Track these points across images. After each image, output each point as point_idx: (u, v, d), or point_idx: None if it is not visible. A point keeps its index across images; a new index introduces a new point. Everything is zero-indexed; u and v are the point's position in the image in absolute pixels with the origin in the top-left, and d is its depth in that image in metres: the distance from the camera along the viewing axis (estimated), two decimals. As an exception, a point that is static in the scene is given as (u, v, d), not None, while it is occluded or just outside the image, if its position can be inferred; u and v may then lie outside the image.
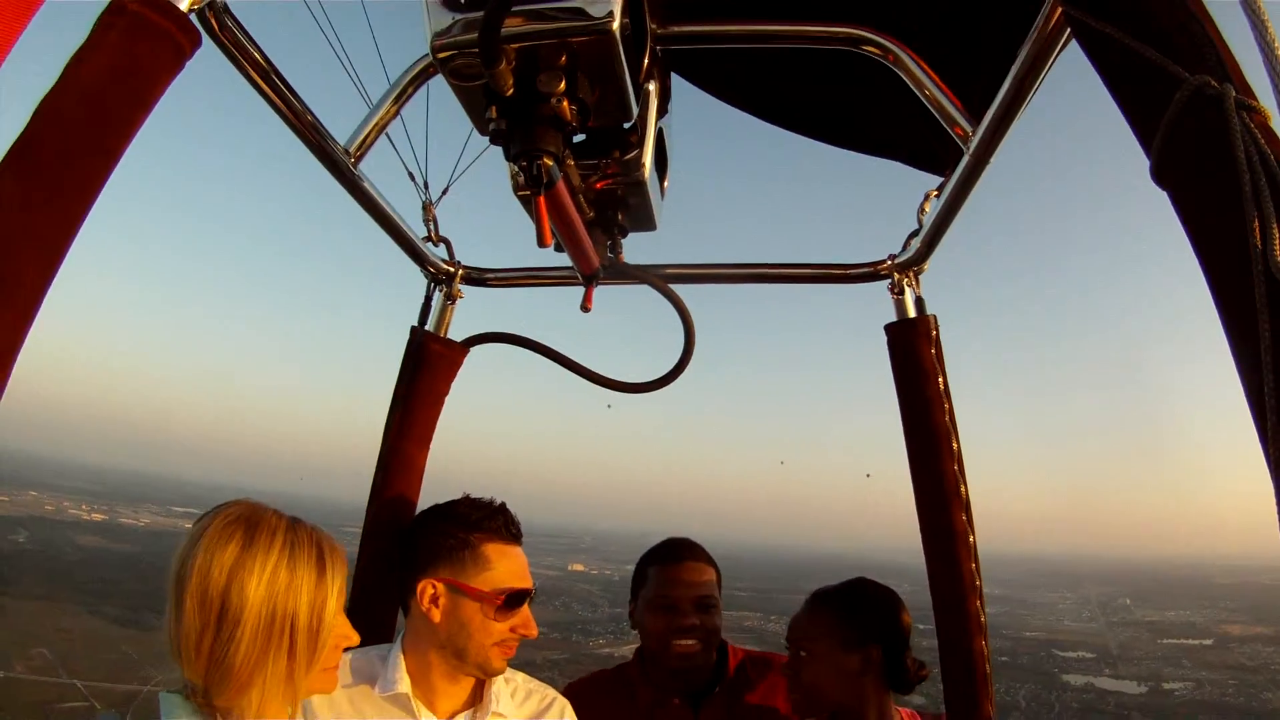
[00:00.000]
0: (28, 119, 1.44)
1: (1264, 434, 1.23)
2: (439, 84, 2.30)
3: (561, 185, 2.10)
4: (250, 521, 1.96)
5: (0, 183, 1.39)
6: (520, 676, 2.80)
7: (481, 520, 2.61)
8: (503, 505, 2.67)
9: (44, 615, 68.25)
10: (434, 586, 2.55)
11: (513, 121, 1.84)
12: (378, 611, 3.12)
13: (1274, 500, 1.12)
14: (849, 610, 2.91)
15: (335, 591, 1.98)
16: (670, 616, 3.22)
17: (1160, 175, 1.28)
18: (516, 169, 2.20)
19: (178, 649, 1.87)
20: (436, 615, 2.53)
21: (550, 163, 1.86)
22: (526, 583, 2.57)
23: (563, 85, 1.77)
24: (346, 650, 2.53)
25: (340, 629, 2.01)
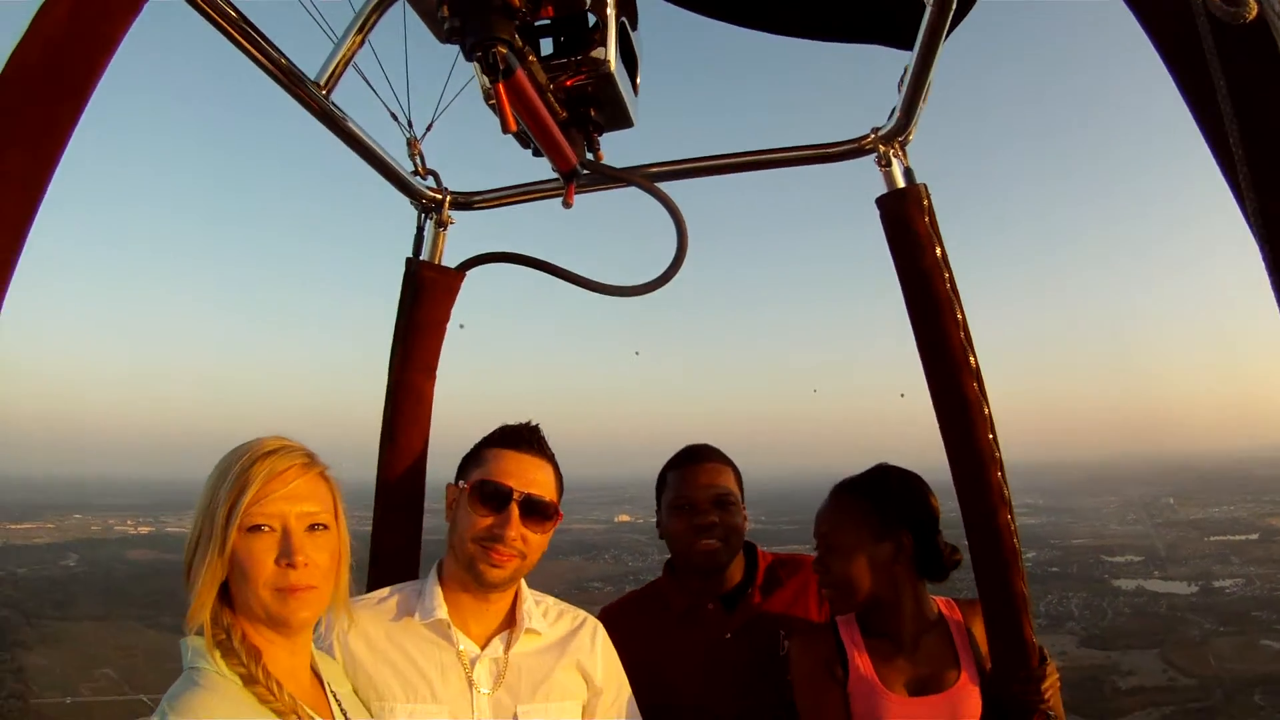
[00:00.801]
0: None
1: (1231, 177, 1.37)
2: (415, 21, 2.38)
3: (524, 77, 2.16)
4: (243, 442, 2.09)
5: None
6: (551, 599, 2.87)
7: (496, 432, 2.76)
8: (525, 424, 2.77)
9: (103, 635, 68.70)
10: (451, 492, 2.75)
11: (465, 17, 1.92)
12: (399, 544, 3.23)
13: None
14: (876, 498, 2.94)
15: (262, 482, 1.99)
16: (689, 516, 3.32)
17: None
18: (483, 78, 2.29)
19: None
20: (449, 517, 2.72)
21: (505, 50, 1.94)
22: (513, 482, 2.60)
23: None
24: (373, 593, 2.74)
25: (283, 534, 2.01)
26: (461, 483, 2.70)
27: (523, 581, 2.77)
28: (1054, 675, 2.82)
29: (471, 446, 2.79)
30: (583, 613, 2.90)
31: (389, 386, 3.27)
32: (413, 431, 3.26)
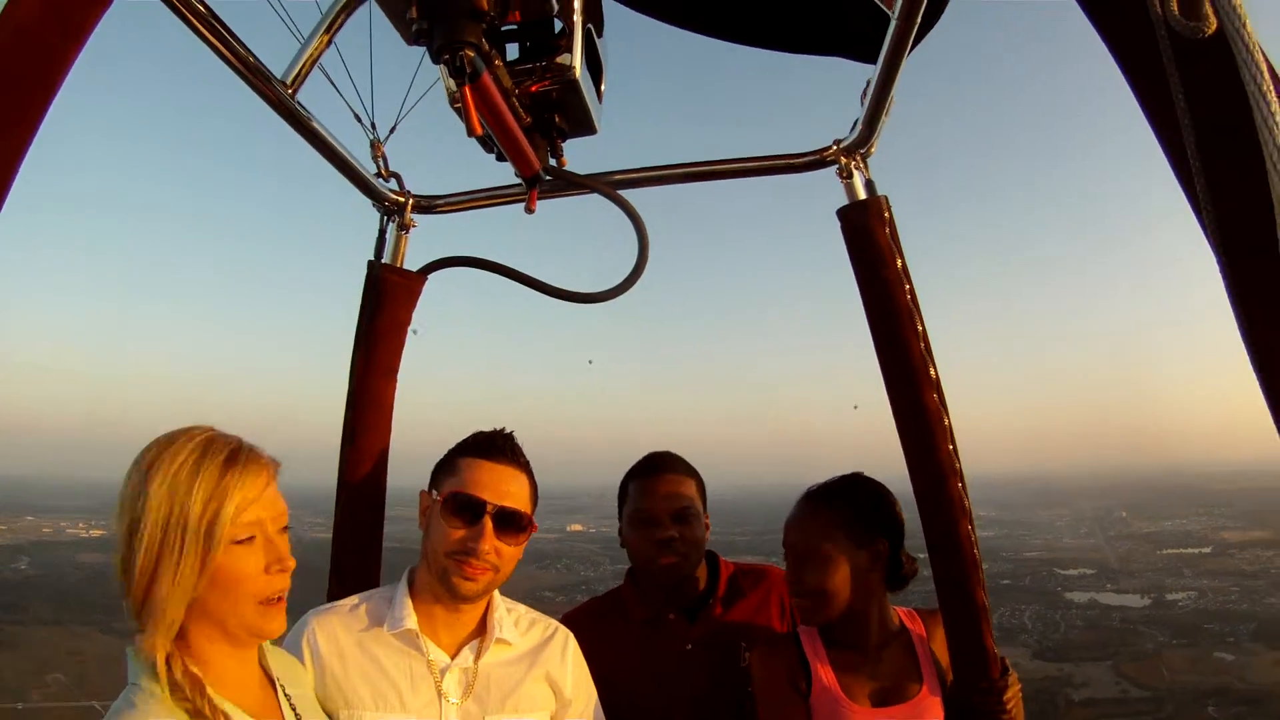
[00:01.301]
0: None
1: (1189, 189, 1.40)
2: (381, 23, 2.37)
3: (490, 81, 2.15)
4: (174, 433, 1.95)
5: None
6: (523, 608, 2.85)
7: (469, 439, 2.72)
8: (499, 431, 2.74)
9: (55, 640, 67.70)
10: (424, 499, 2.72)
11: (434, 19, 1.93)
12: (360, 551, 3.22)
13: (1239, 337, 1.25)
14: (855, 506, 2.91)
15: (244, 491, 1.90)
16: (649, 529, 3.28)
17: None
18: (449, 81, 2.31)
19: (118, 585, 1.88)
20: (423, 525, 2.69)
21: (472, 54, 1.95)
22: (487, 494, 2.56)
23: None
24: (344, 600, 2.70)
25: (266, 541, 1.96)
26: (434, 491, 2.68)
27: (496, 590, 2.75)
28: (1016, 685, 2.84)
29: (445, 453, 2.75)
30: (554, 623, 2.89)
31: (350, 391, 3.25)
32: (374, 436, 3.25)
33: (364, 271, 3.32)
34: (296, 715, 2.15)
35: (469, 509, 2.55)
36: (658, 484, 3.35)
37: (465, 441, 2.73)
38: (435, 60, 2.02)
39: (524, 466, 2.72)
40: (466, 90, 2.08)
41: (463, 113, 2.16)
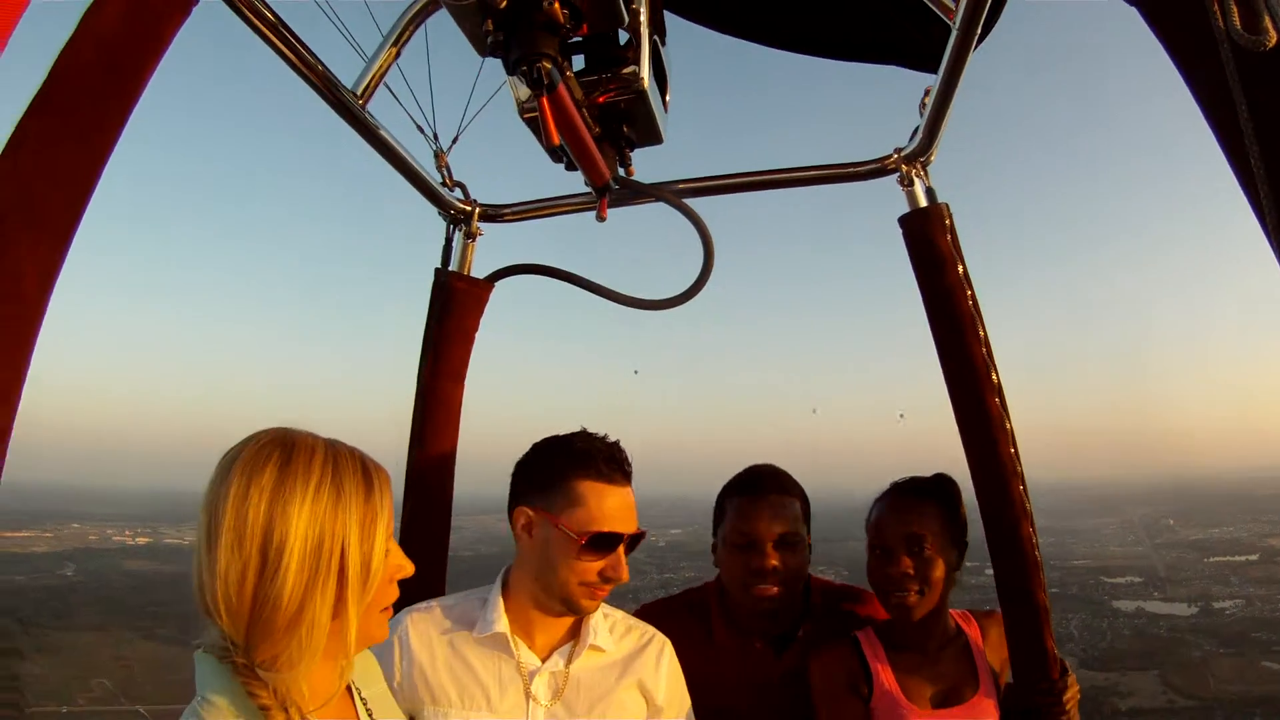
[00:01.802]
0: (49, 67, 1.55)
1: (1253, 195, 1.40)
2: (439, 37, 2.49)
3: (564, 91, 2.18)
4: (285, 443, 1.76)
5: (27, 124, 1.50)
6: (619, 614, 2.79)
7: (582, 454, 2.54)
8: (612, 443, 2.60)
9: (100, 646, 68.76)
10: (527, 514, 2.56)
11: (509, 31, 1.94)
12: (427, 553, 3.18)
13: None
14: (951, 505, 2.88)
15: (386, 514, 1.81)
16: (748, 556, 3.00)
17: None
18: (519, 92, 2.36)
19: (213, 600, 1.66)
20: (529, 544, 2.57)
21: (549, 65, 1.96)
22: (621, 526, 2.49)
23: None
24: (441, 599, 2.67)
25: (395, 559, 1.86)
26: (545, 513, 2.51)
27: None
28: (1075, 687, 2.82)
29: (546, 463, 2.58)
30: (651, 629, 2.78)
31: (418, 394, 3.27)
32: (442, 439, 3.27)
33: (429, 281, 3.36)
34: (370, 713, 2.07)
35: (608, 544, 2.47)
36: (761, 505, 3.05)
37: (577, 456, 2.54)
38: (512, 72, 2.06)
39: (631, 478, 2.62)
40: (544, 101, 2.10)
41: (540, 123, 2.17)
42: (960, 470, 2.94)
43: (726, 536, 3.11)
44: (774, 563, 2.96)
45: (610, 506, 2.50)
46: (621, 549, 2.50)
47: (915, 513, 2.83)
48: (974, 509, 2.91)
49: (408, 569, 1.89)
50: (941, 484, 2.92)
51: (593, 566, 2.47)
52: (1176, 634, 72.78)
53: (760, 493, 3.09)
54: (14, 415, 1.49)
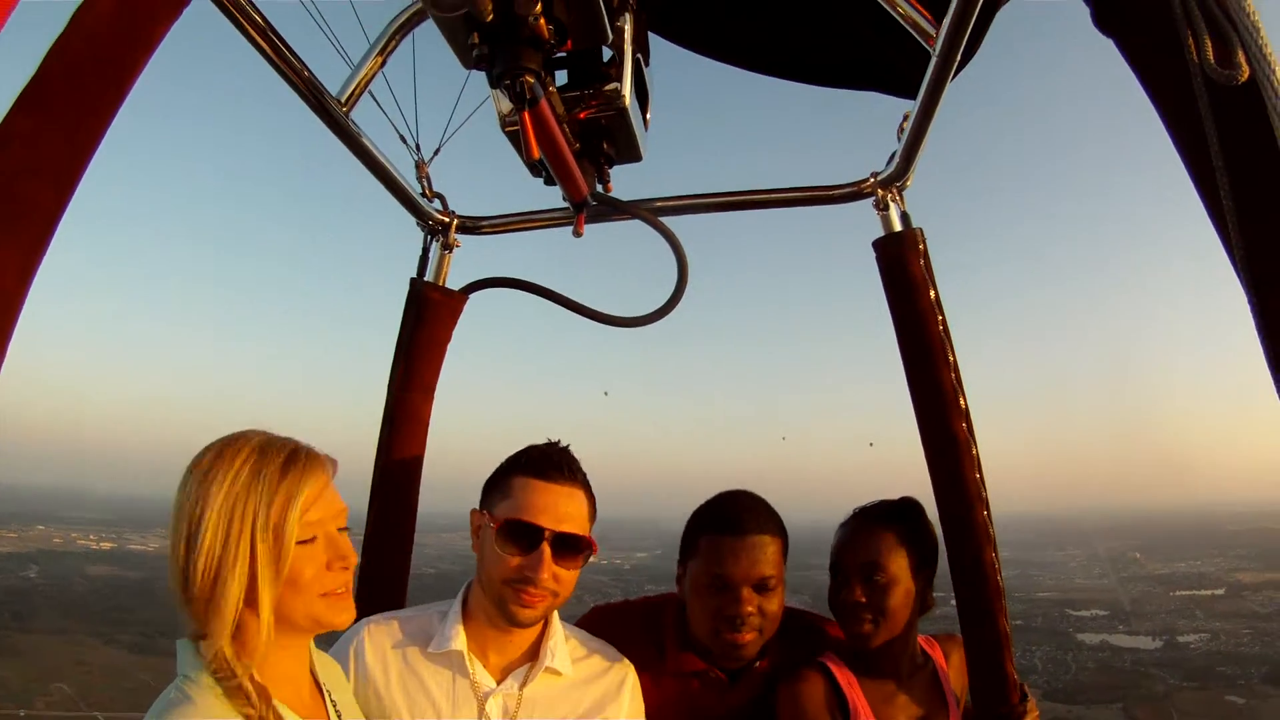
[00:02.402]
0: (39, 62, 1.53)
1: (1221, 227, 1.45)
2: (425, 48, 2.50)
3: (546, 106, 2.18)
4: (229, 438, 1.93)
5: (14, 119, 1.49)
6: (582, 634, 2.75)
7: (524, 455, 2.56)
8: (555, 444, 2.58)
9: (61, 650, 68.09)
10: (476, 517, 2.58)
11: (494, 45, 1.93)
12: (389, 566, 3.19)
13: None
14: (917, 530, 2.83)
15: (308, 494, 1.90)
16: (721, 600, 2.74)
17: (1102, 21, 1.43)
18: (501, 105, 2.37)
19: (173, 589, 1.84)
20: (477, 548, 2.56)
21: (532, 80, 1.95)
22: (543, 519, 2.41)
23: (539, 6, 1.86)
24: (401, 611, 2.64)
25: (336, 545, 1.96)
26: (486, 513, 2.54)
27: (554, 614, 2.62)
28: (1034, 712, 2.80)
29: (496, 469, 2.60)
30: (614, 653, 2.74)
31: (387, 405, 3.25)
32: (409, 449, 3.24)
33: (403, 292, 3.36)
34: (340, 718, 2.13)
35: (525, 535, 2.41)
36: (740, 547, 2.76)
37: (518, 458, 2.57)
38: (495, 85, 2.04)
39: (582, 483, 2.55)
40: (525, 116, 2.10)
41: (521, 137, 2.17)
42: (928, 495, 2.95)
43: (697, 576, 2.84)
44: (750, 609, 2.73)
45: (534, 499, 2.46)
46: (546, 549, 2.41)
47: (873, 540, 2.79)
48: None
49: (350, 558, 1.97)
50: (905, 509, 2.90)
51: (511, 560, 2.41)
52: (1141, 667, 73.21)
53: (739, 532, 2.79)
54: None
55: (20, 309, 1.49)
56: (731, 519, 2.83)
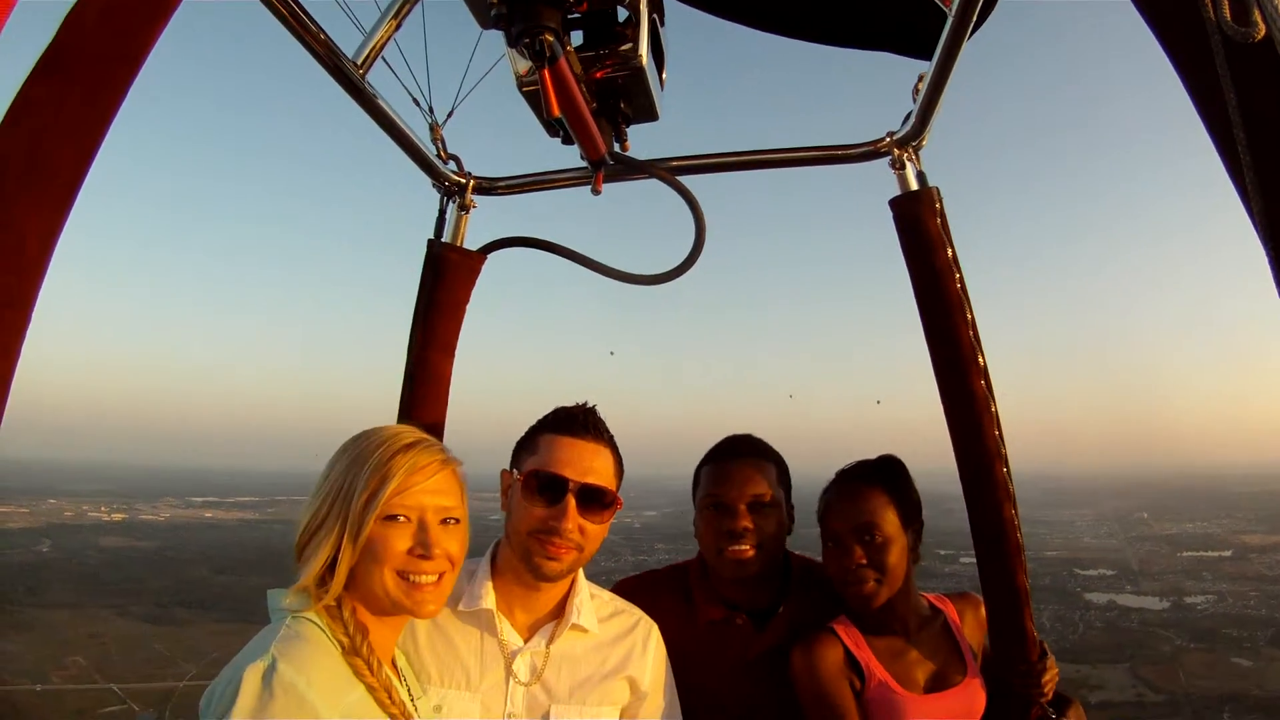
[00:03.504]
0: (55, 29, 1.56)
1: (1239, 181, 1.48)
2: (435, 10, 2.52)
3: (564, 64, 2.18)
4: (375, 427, 2.23)
5: (33, 85, 1.52)
6: (607, 594, 2.82)
7: (551, 415, 2.68)
8: (582, 405, 2.70)
9: (75, 623, 68.51)
10: (505, 477, 2.67)
11: (513, 5, 1.96)
12: None
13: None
14: (900, 487, 2.89)
15: (403, 476, 2.09)
16: (720, 518, 2.99)
17: None
18: (524, 66, 2.38)
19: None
20: (505, 506, 2.64)
21: (551, 39, 1.98)
22: (568, 471, 2.52)
23: None
24: None
25: (419, 525, 2.10)
26: (515, 470, 2.63)
27: (580, 573, 2.70)
28: (1053, 669, 2.85)
29: (525, 430, 2.71)
30: (639, 613, 2.81)
31: (407, 366, 3.28)
32: (431, 410, 3.26)
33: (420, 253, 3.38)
34: (410, 695, 2.22)
35: (551, 487, 2.51)
36: (731, 469, 3.06)
37: (546, 418, 2.69)
38: (514, 44, 2.05)
39: (608, 441, 2.67)
40: (545, 74, 2.11)
41: (540, 95, 2.19)
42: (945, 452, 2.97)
43: (701, 502, 3.10)
44: (745, 524, 2.95)
45: (560, 453, 2.55)
46: (571, 500, 2.50)
47: (863, 501, 2.85)
48: (958, 494, 2.91)
49: (435, 549, 2.09)
50: (887, 466, 2.94)
51: (536, 511, 2.50)
52: (1148, 628, 73.33)
53: (732, 457, 3.10)
54: (13, 373, 1.52)
55: (44, 274, 1.53)
56: (725, 449, 3.15)
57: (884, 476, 2.90)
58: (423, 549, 2.07)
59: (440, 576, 2.14)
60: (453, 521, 2.18)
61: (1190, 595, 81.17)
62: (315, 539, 2.07)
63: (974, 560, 2.92)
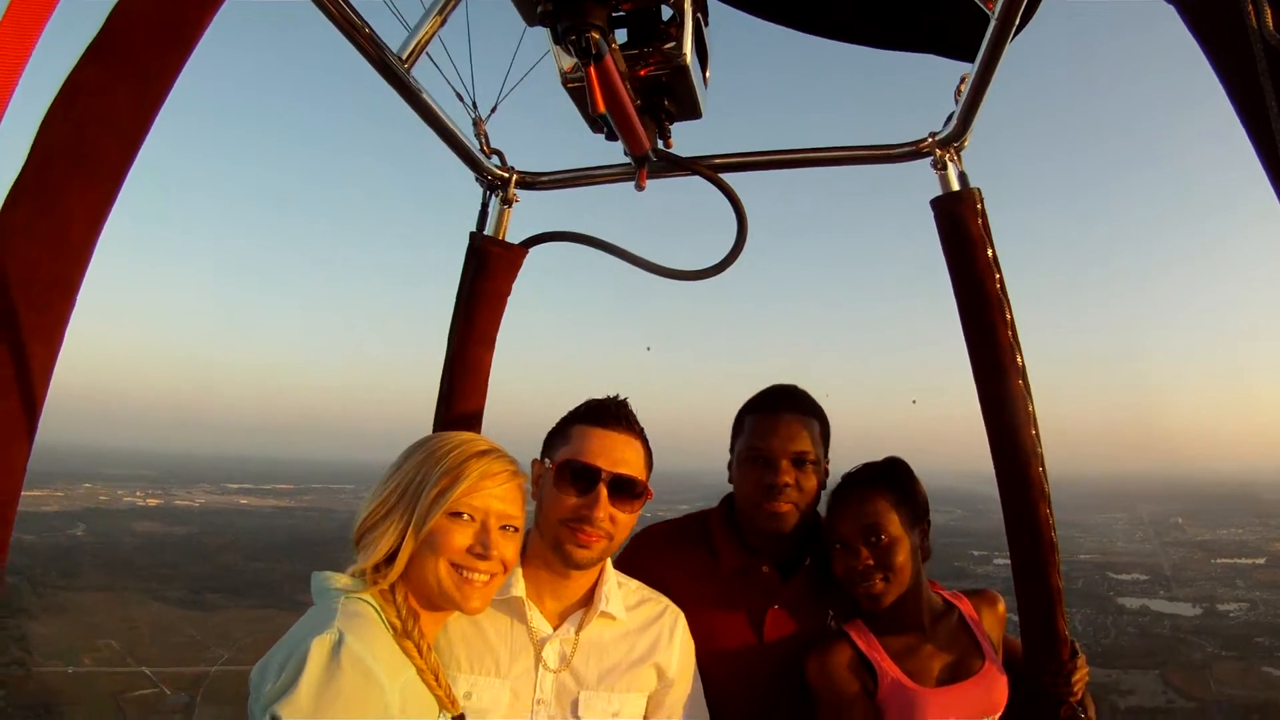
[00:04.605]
0: (106, 13, 1.57)
1: (1276, 180, 1.48)
2: (479, 5, 2.59)
3: (610, 62, 2.21)
4: (451, 431, 2.39)
5: (82, 72, 1.54)
6: (634, 583, 2.86)
7: (582, 406, 2.75)
8: (613, 398, 2.76)
9: (108, 606, 69.08)
10: (537, 467, 2.72)
11: (559, 1, 2.00)
12: None
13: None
14: (905, 488, 2.92)
15: (473, 480, 2.21)
16: (761, 471, 2.99)
17: None
18: (569, 62, 2.45)
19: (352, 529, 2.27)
20: (536, 496, 2.69)
21: (597, 36, 2.02)
22: (599, 460, 2.57)
23: None
24: None
25: (481, 526, 2.23)
26: (547, 460, 2.68)
27: (608, 561, 2.75)
28: (1084, 669, 2.87)
29: (560, 422, 2.76)
30: (665, 600, 2.86)
31: (447, 357, 3.32)
32: (470, 401, 3.31)
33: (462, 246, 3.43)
34: (446, 684, 2.27)
35: (583, 476, 2.57)
36: (777, 423, 3.04)
37: (578, 409, 2.75)
38: (560, 41, 2.10)
39: (638, 433, 2.73)
40: (591, 70, 2.15)
41: (586, 91, 2.23)
42: (980, 452, 3.02)
43: (741, 452, 3.10)
44: (787, 479, 2.95)
45: (592, 443, 2.62)
46: (603, 489, 2.55)
47: (868, 503, 2.86)
48: (990, 494, 2.93)
49: (493, 551, 2.22)
50: (891, 469, 2.97)
51: (568, 500, 2.56)
52: (1180, 634, 72.49)
53: (778, 410, 3.08)
54: (55, 359, 1.55)
55: (88, 262, 1.55)
56: (772, 399, 3.15)
57: (888, 479, 2.92)
58: (481, 548, 2.19)
59: (491, 577, 2.25)
60: (512, 529, 2.30)
61: (1223, 602, 79.98)
62: (379, 527, 2.19)
63: (1008, 561, 2.94)
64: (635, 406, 2.73)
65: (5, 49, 1.10)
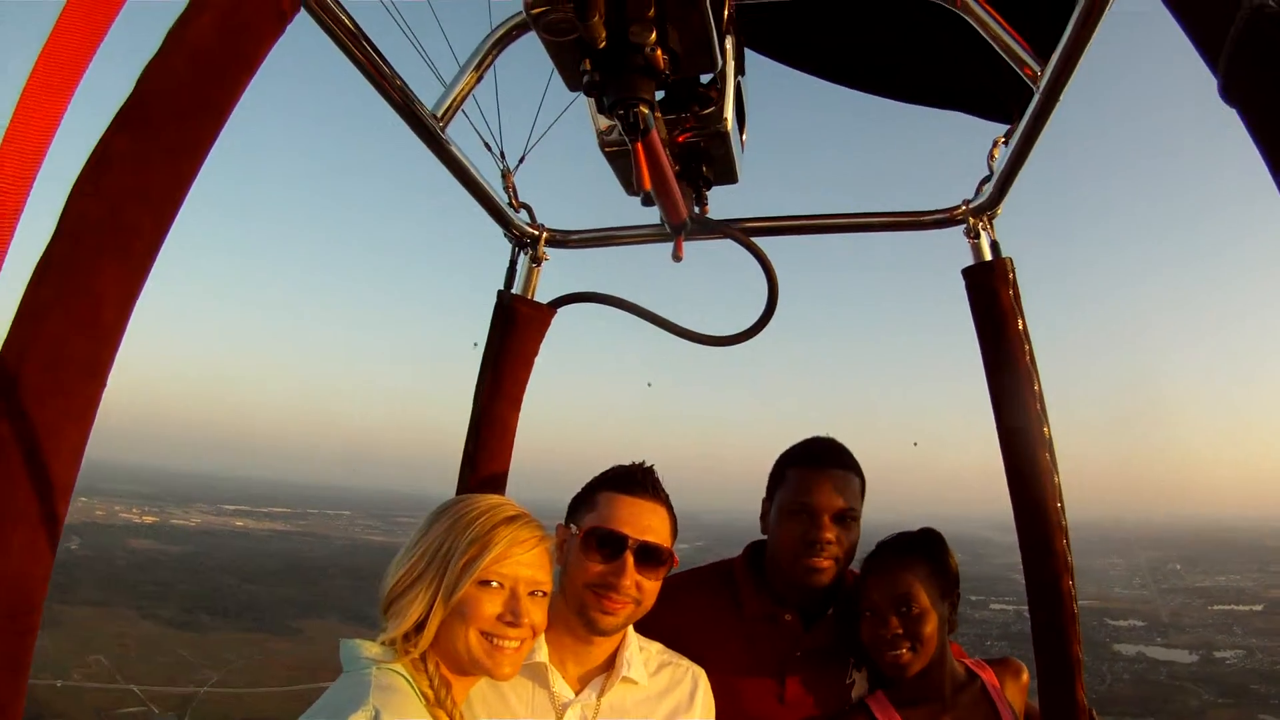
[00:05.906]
0: (136, 79, 1.50)
1: None
2: (508, 58, 2.53)
3: (655, 134, 2.14)
4: (478, 494, 2.38)
5: (113, 140, 1.46)
6: (656, 647, 2.80)
7: (610, 472, 2.69)
8: (641, 464, 2.70)
9: (100, 622, 68.95)
10: (562, 532, 2.65)
11: (606, 73, 1.90)
12: None
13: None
14: (938, 559, 2.88)
15: (504, 547, 2.17)
16: (805, 526, 2.91)
17: (1229, 92, 1.36)
18: (606, 123, 2.40)
19: (380, 598, 2.22)
20: (561, 561, 2.61)
21: (646, 110, 1.94)
22: (626, 528, 2.53)
23: (654, 36, 1.83)
24: None
25: (511, 594, 2.18)
26: (573, 526, 2.63)
27: (630, 627, 2.70)
28: None
29: (585, 488, 2.72)
30: (686, 663, 2.82)
31: (473, 415, 3.27)
32: (495, 461, 3.26)
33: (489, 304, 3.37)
34: None
35: (610, 543, 2.52)
36: (823, 477, 2.96)
37: (604, 475, 2.70)
38: (606, 112, 2.01)
39: (664, 500, 2.68)
40: (639, 146, 2.09)
41: (633, 166, 2.17)
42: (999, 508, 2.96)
43: (784, 504, 3.00)
44: (829, 536, 2.88)
45: (619, 511, 2.56)
46: (630, 557, 2.51)
47: (901, 573, 2.83)
48: (990, 538, 2.89)
49: (524, 619, 2.17)
50: (926, 540, 2.94)
51: (594, 566, 2.51)
52: (1176, 681, 72.44)
53: (823, 465, 3.00)
54: (85, 442, 1.49)
55: (120, 341, 1.48)
56: (818, 453, 3.05)
57: (923, 549, 2.90)
58: (512, 616, 2.16)
59: (522, 643, 2.21)
60: (540, 594, 2.26)
61: (1220, 649, 79.99)
62: (409, 594, 2.15)
63: (1003, 606, 2.92)
64: (637, 448, 2.68)
65: (36, 111, 1.06)
